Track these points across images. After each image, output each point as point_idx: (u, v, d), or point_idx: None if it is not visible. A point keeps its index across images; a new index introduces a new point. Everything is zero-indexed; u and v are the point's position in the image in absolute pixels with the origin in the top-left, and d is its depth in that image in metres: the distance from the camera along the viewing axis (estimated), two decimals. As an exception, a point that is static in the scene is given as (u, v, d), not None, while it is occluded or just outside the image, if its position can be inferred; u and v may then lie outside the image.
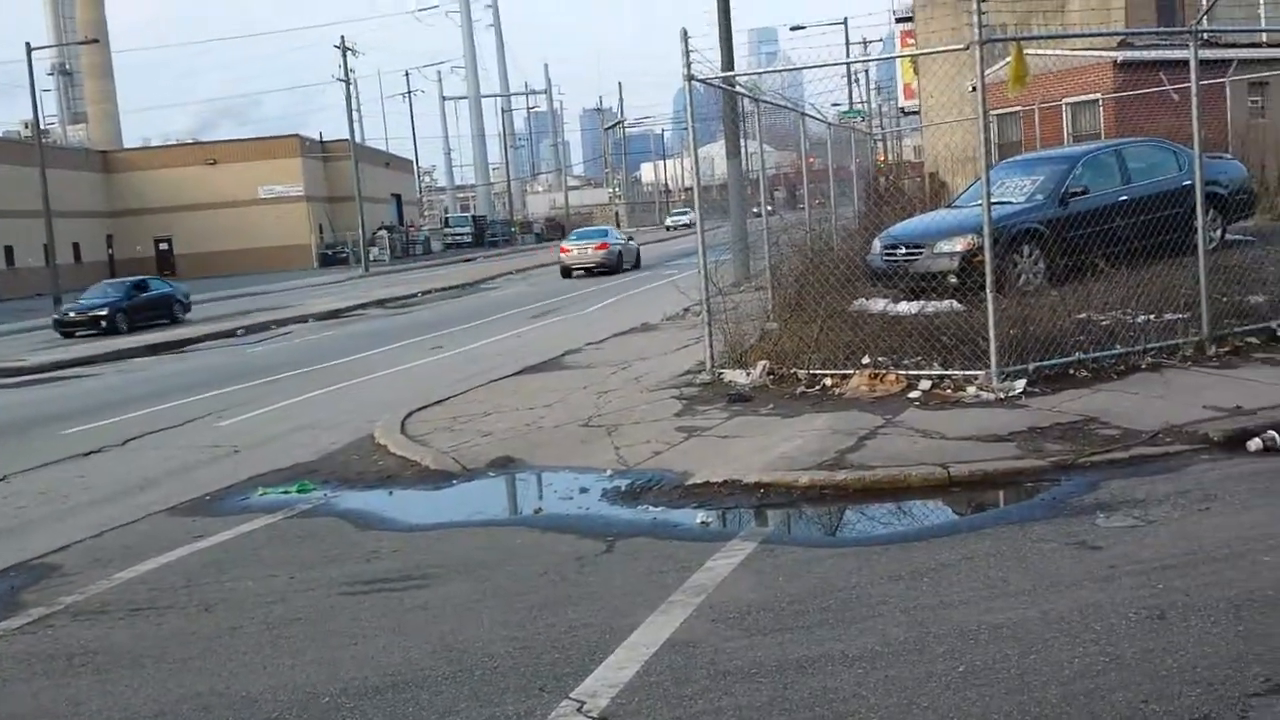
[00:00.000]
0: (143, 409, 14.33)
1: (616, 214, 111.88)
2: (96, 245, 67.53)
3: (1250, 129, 23.85)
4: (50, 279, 42.57)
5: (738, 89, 15.21)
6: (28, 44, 41.56)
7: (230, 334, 26.45)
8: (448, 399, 12.08)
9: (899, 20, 53.22)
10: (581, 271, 35.94)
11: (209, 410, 13.74)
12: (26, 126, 67.59)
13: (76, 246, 63.92)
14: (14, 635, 5.92)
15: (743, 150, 23.70)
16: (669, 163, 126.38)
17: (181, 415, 13.50)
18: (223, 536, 7.59)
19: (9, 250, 58.23)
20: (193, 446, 11.33)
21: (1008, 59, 9.58)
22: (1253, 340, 10.23)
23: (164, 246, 71.39)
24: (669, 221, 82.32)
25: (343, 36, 63.10)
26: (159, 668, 5.25)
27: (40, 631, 5.95)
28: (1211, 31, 14.76)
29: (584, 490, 7.89)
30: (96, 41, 78.71)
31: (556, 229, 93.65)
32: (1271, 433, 7.32)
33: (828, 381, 10.14)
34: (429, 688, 4.70)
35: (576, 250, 36.78)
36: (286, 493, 8.73)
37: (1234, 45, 29.61)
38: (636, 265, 38.19)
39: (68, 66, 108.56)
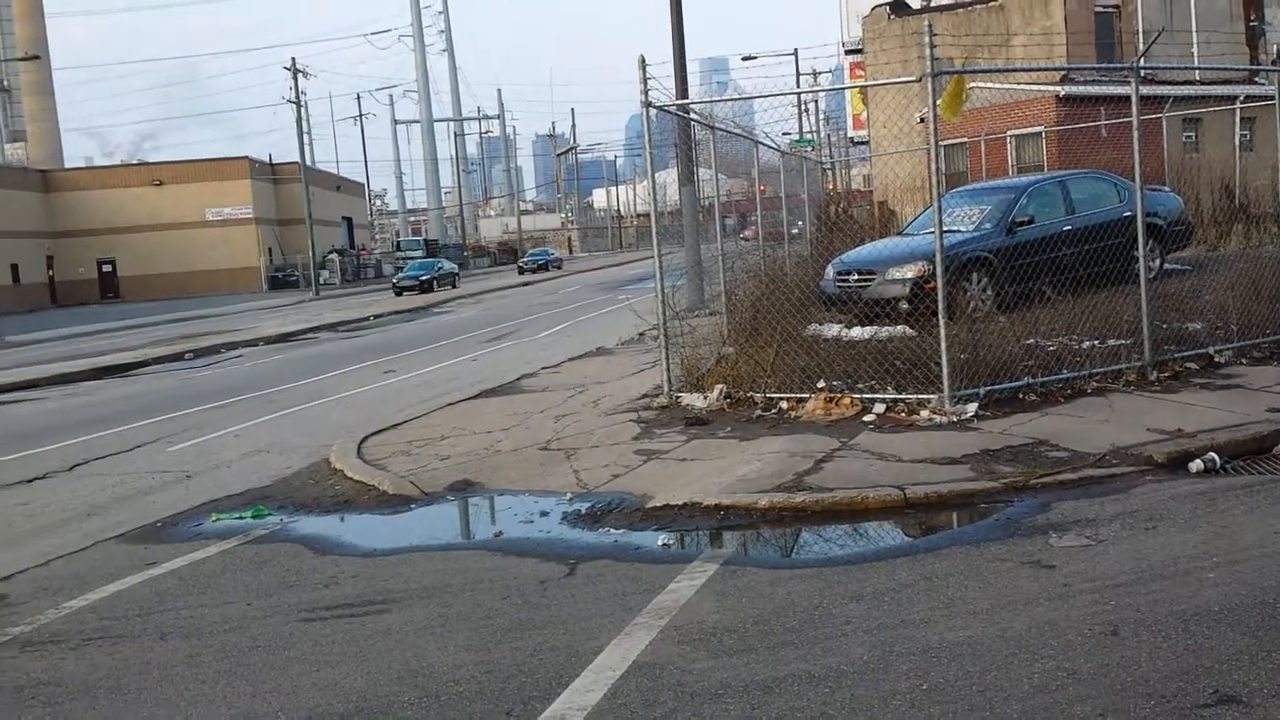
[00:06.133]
0: (89, 434, 14.06)
1: (570, 239, 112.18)
2: (36, 266, 66.49)
3: (1185, 163, 24.57)
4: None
5: (692, 116, 15.35)
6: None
7: (179, 357, 26.09)
8: (403, 423, 12.03)
9: (849, 52, 54.05)
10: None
11: (159, 435, 13.53)
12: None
13: (15, 268, 62.87)
14: (-39, 668, 5.77)
15: (695, 177, 23.87)
16: (621, 188, 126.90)
17: (130, 440, 13.28)
18: (176, 563, 7.49)
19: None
20: (142, 472, 11.15)
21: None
22: (1191, 365, 10.51)
23: (107, 268, 70.42)
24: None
25: (293, 58, 62.74)
26: (113, 699, 5.15)
27: (-12, 663, 5.81)
28: (1150, 69, 15.18)
29: (544, 514, 7.90)
30: (38, 58, 77.69)
31: (509, 253, 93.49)
32: (1211, 454, 7.56)
33: (784, 405, 10.25)
34: (395, 713, 4.68)
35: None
36: (241, 518, 8.63)
37: (1170, 82, 30.59)
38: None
39: (6, 84, 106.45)
